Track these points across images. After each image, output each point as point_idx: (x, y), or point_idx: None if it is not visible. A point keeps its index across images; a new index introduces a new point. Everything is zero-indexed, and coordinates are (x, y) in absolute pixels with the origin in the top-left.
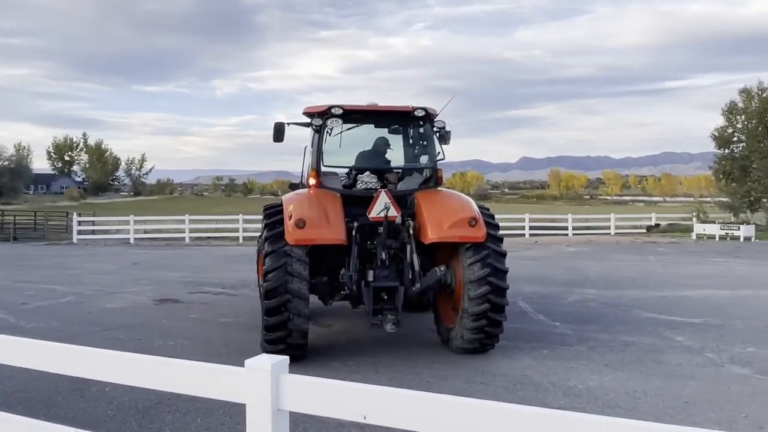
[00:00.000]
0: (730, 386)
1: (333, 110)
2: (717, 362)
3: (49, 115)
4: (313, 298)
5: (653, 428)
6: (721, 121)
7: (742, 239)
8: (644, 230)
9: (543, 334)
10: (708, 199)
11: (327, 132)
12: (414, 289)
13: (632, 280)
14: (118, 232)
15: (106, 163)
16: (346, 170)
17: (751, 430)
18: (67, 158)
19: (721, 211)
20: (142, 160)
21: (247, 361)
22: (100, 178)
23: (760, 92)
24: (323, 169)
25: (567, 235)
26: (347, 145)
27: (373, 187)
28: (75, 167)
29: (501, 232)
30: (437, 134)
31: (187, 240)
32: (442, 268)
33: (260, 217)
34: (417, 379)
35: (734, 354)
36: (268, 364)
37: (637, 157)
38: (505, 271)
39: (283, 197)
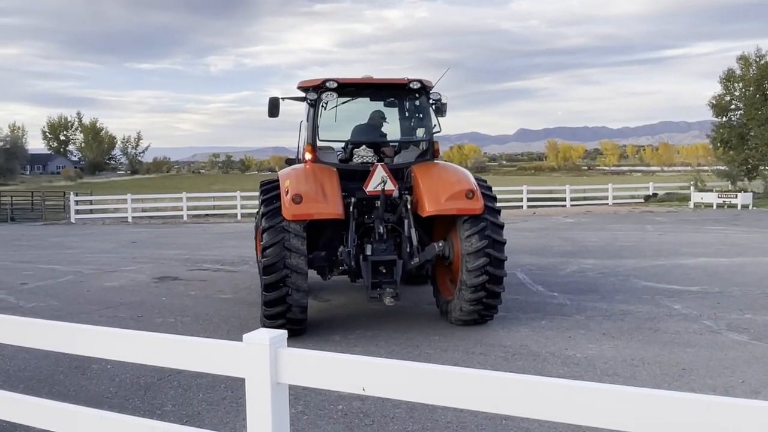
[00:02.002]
0: (727, 353)
1: (328, 84)
2: (714, 329)
3: (42, 95)
4: (312, 273)
5: (651, 395)
6: (718, 89)
7: (739, 207)
8: (642, 200)
9: (541, 305)
10: (706, 167)
11: (322, 106)
12: (412, 263)
13: (630, 249)
14: (115, 211)
15: (102, 142)
16: (342, 144)
17: (748, 396)
18: (62, 138)
19: (719, 180)
20: (138, 138)
21: (246, 336)
22: (96, 157)
23: (758, 59)
24: (319, 143)
25: (565, 206)
26: (343, 119)
27: (370, 161)
28: (71, 147)
29: (499, 204)
30: (433, 106)
31: (185, 218)
32: (440, 244)
33: (257, 193)
34: (416, 351)
35: (731, 321)
36: (266, 339)
37: (634, 126)
38: (503, 243)
39: (279, 173)
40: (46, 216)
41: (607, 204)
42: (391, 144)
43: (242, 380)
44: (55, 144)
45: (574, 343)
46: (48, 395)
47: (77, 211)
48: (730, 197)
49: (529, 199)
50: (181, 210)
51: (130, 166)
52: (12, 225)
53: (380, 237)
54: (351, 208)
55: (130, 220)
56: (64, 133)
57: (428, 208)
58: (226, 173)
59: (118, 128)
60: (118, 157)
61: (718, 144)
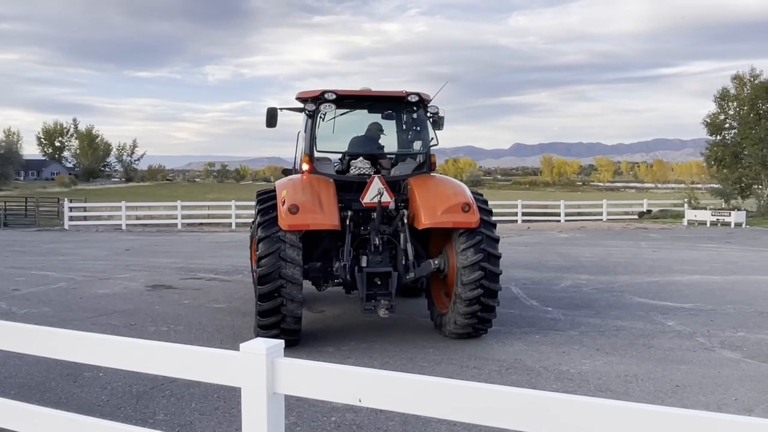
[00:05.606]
0: (720, 370)
1: (326, 95)
2: (707, 346)
3: (39, 101)
4: (307, 284)
5: (644, 410)
6: (713, 108)
7: (733, 225)
8: (636, 216)
9: (535, 320)
10: (699, 185)
11: (320, 117)
12: (408, 277)
13: (624, 265)
14: (110, 218)
15: (97, 149)
16: (340, 156)
17: (741, 413)
18: (57, 144)
19: (713, 198)
20: (134, 146)
21: (243, 345)
22: (91, 164)
23: (752, 79)
24: (316, 154)
25: (559, 221)
26: (340, 131)
27: (367, 172)
28: (66, 153)
29: (494, 218)
30: (431, 120)
31: (180, 226)
32: (436, 261)
33: (253, 203)
34: (410, 363)
35: (724, 338)
36: (263, 348)
37: (629, 143)
38: (498, 257)
39: (276, 183)
40: (39, 222)
41: (602, 220)
42: (388, 156)
43: (236, 390)
44: (50, 150)
45: (568, 358)
46: (39, 402)
47: (71, 218)
48: (724, 215)
49: (524, 214)
50: (176, 218)
51: (125, 173)
52: (5, 230)
53: (376, 249)
54: (347, 220)
55: (124, 227)
56: (59, 139)
57: (424, 221)
58: (221, 182)
59: (113, 135)
60: (113, 164)
61: (712, 162)
